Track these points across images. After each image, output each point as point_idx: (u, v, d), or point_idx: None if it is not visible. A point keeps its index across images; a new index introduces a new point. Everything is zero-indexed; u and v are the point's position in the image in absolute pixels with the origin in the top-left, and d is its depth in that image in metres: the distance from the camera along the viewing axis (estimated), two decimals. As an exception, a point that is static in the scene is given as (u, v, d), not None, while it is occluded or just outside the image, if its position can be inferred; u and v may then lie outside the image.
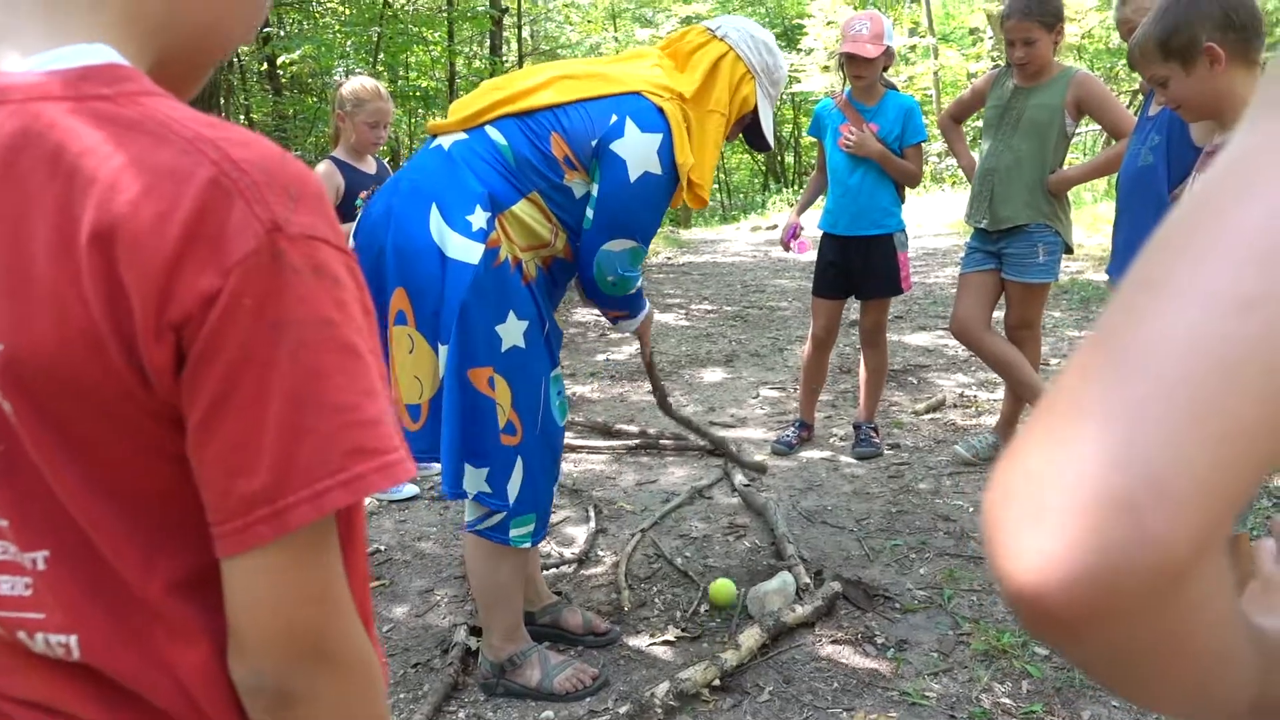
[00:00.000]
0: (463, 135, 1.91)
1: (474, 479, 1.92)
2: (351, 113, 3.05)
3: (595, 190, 1.89)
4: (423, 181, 1.88)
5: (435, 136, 2.00)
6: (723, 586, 2.52)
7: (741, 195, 23.45)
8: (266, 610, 0.53)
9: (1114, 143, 3.19)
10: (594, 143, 1.86)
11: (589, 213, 1.91)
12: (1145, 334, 0.28)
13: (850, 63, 3.29)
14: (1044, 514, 0.28)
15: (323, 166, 3.11)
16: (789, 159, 22.80)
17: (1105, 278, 7.12)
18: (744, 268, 9.24)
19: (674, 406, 2.82)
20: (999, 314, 3.41)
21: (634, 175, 1.85)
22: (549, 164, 1.88)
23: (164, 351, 0.50)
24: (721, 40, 2.00)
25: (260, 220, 0.50)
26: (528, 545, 2.04)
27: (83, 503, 0.54)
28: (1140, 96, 12.89)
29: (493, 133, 1.88)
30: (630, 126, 1.85)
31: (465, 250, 1.82)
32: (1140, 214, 2.35)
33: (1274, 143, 0.30)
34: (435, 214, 1.83)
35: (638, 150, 1.85)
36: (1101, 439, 0.28)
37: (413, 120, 11.97)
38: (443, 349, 1.85)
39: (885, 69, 3.37)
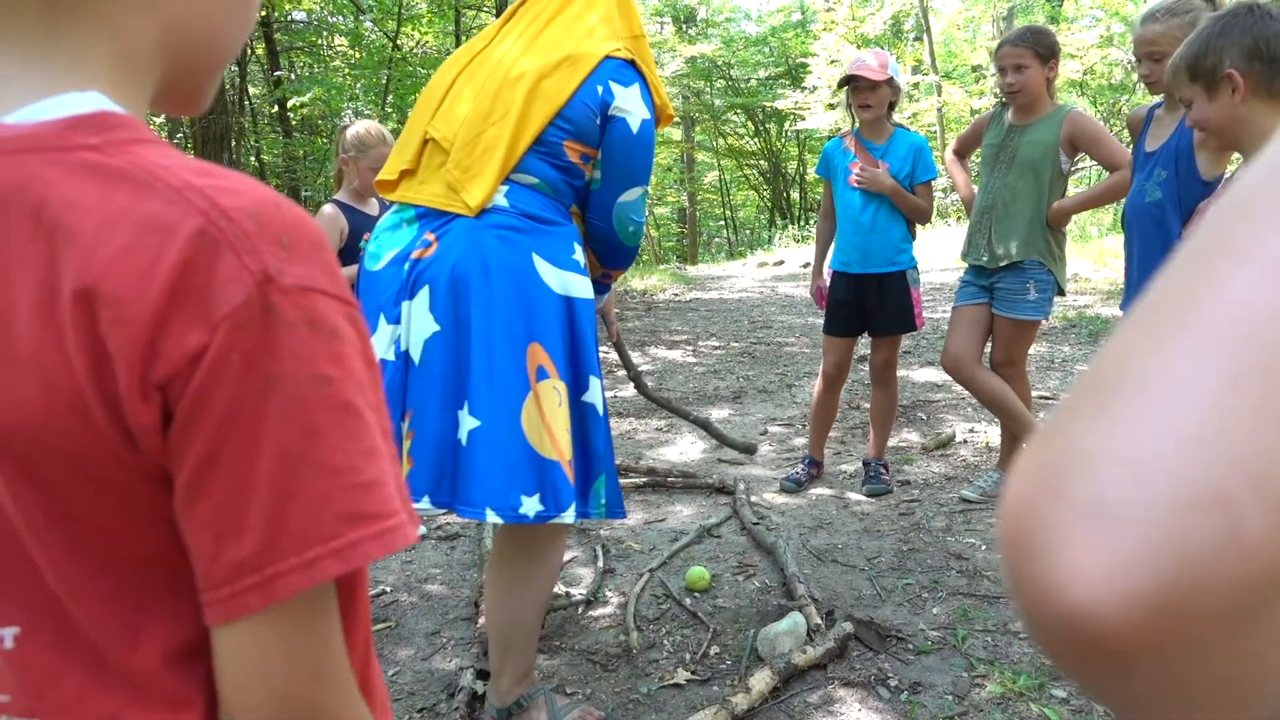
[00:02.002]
0: (499, 199, 1.84)
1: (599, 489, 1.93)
2: (356, 157, 3.07)
3: (599, 154, 1.89)
4: (502, 241, 1.82)
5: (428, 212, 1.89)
6: (698, 573, 2.75)
7: (748, 231, 23.60)
8: (257, 683, 0.51)
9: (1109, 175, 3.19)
10: (596, 120, 1.86)
11: (596, 174, 1.90)
12: (1232, 297, 0.23)
13: (855, 92, 3.31)
14: (1102, 506, 0.22)
15: (327, 209, 3.13)
16: (794, 195, 22.94)
17: (1114, 312, 7.12)
18: (751, 304, 9.25)
19: (649, 388, 2.82)
20: (988, 348, 3.40)
21: (635, 126, 1.88)
22: (572, 173, 1.89)
23: (150, 412, 0.48)
24: None
25: (250, 271, 0.48)
26: (602, 514, 1.94)
27: (65, 570, 0.52)
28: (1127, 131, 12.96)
29: (523, 178, 1.85)
30: (616, 88, 1.86)
31: (584, 287, 1.88)
32: (1149, 249, 2.35)
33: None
34: (543, 263, 1.82)
35: (629, 104, 1.87)
36: (1181, 413, 0.22)
37: (421, 160, 12.11)
38: (594, 380, 1.90)
39: (892, 106, 3.40)
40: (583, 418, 1.90)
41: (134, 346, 0.47)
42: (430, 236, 1.85)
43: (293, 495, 0.48)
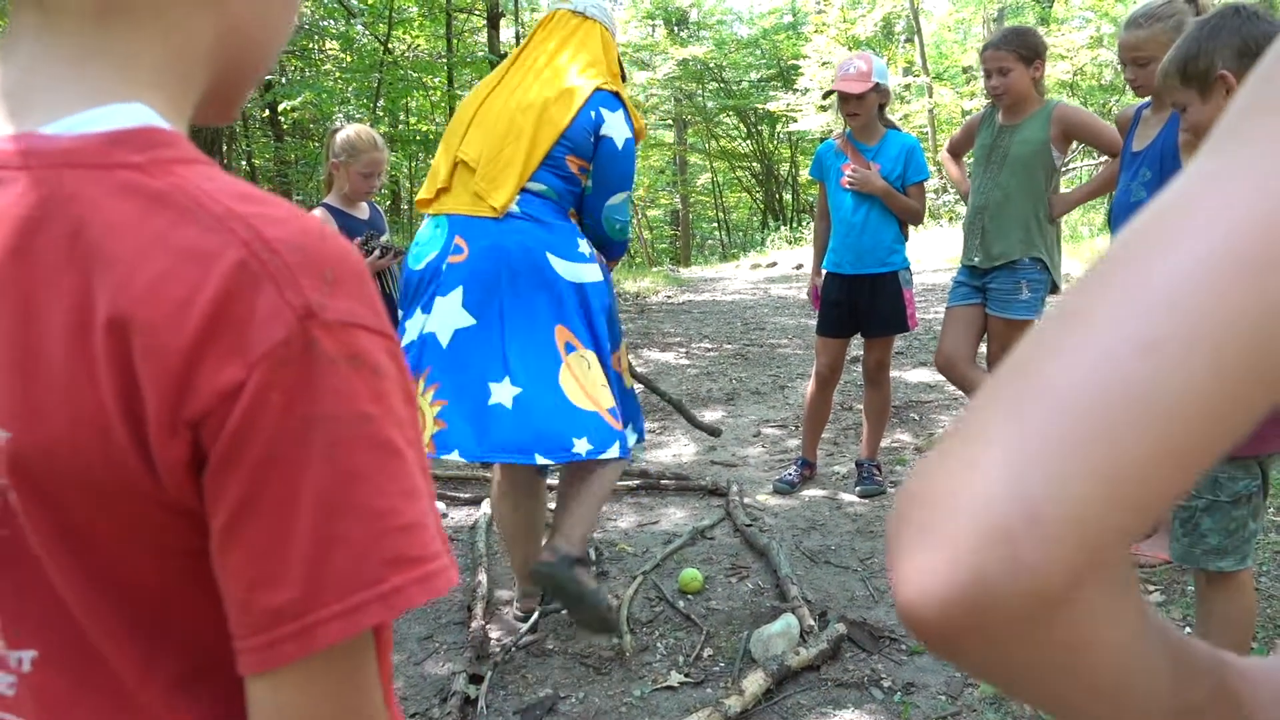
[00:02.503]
0: (513, 206, 2.29)
1: (631, 439, 2.53)
2: (346, 162, 3.06)
3: (591, 166, 2.36)
4: (521, 244, 2.28)
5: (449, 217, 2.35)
6: (690, 575, 2.80)
7: (741, 233, 23.62)
8: None
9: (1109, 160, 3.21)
10: (591, 139, 2.32)
11: (589, 183, 2.38)
12: (1051, 366, 0.29)
13: (842, 101, 3.33)
14: (931, 533, 0.29)
15: (316, 213, 3.11)
16: (786, 196, 22.97)
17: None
18: (744, 305, 9.26)
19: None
20: (982, 347, 3.41)
21: (619, 144, 2.35)
22: (572, 181, 2.35)
23: (178, 447, 0.46)
24: (591, 20, 2.42)
25: (292, 306, 0.46)
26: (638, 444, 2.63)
27: (84, 596, 0.51)
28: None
29: (534, 186, 2.30)
30: (605, 114, 2.33)
31: (593, 272, 2.37)
32: None
33: (1217, 181, 0.29)
34: (555, 260, 2.29)
35: (615, 127, 2.34)
36: (995, 465, 0.28)
37: (413, 164, 12.09)
38: (592, 352, 2.36)
39: (882, 107, 3.40)
40: (621, 383, 2.46)
41: (166, 379, 0.45)
42: (460, 242, 2.28)
43: (334, 540, 0.47)
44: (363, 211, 3.22)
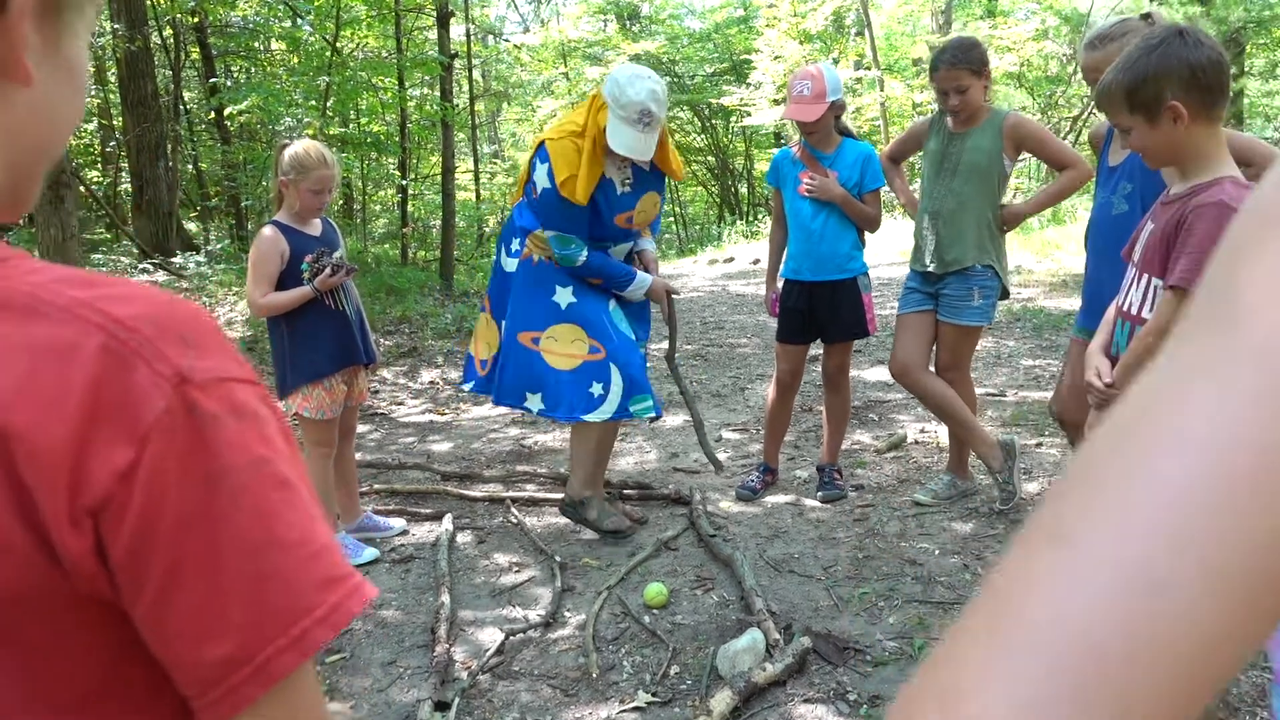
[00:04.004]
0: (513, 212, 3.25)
1: (535, 401, 3.14)
2: (295, 180, 2.99)
3: None
4: (500, 239, 3.30)
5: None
6: (655, 590, 2.85)
7: (697, 226, 23.65)
8: None
9: (1056, 175, 3.26)
10: (531, 179, 3.07)
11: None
12: (1043, 601, 0.26)
13: (799, 124, 3.35)
14: None
15: (267, 231, 3.04)
16: (743, 189, 23.05)
17: (1058, 304, 7.26)
18: (702, 304, 9.27)
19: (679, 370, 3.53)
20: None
21: (537, 190, 3.01)
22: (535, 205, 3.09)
23: (82, 538, 0.46)
24: (599, 92, 2.94)
25: (165, 376, 0.47)
26: (654, 414, 3.17)
27: (19, 703, 0.50)
28: (1079, 124, 13.15)
29: (522, 200, 3.19)
30: (537, 164, 3.01)
31: (512, 264, 3.20)
32: (1117, 263, 2.38)
33: (1205, 384, 0.28)
34: (501, 252, 3.27)
35: (538, 177, 3.01)
36: (985, 713, 0.26)
37: (365, 165, 11.91)
38: (503, 324, 3.20)
39: (838, 117, 3.41)
40: (527, 357, 3.14)
41: (56, 476, 0.45)
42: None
43: (265, 578, 0.49)
44: (315, 228, 3.15)
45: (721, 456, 4.28)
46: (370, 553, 3.31)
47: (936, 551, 3.10)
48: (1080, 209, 11.97)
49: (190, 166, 12.22)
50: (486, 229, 16.33)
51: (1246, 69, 9.87)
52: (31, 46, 0.51)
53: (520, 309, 3.13)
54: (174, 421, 0.47)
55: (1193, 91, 1.77)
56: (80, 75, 0.57)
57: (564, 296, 3.11)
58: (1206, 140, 1.83)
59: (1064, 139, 16.39)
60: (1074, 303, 6.04)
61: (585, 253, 3.03)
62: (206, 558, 0.48)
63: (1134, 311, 1.97)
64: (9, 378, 0.45)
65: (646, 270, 3.25)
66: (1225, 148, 1.88)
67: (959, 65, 3.05)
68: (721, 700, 2.22)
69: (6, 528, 0.46)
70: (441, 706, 2.36)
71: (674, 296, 3.26)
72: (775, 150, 18.06)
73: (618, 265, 3.13)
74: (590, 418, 3.08)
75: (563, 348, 3.10)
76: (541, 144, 2.98)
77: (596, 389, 3.07)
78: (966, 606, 0.29)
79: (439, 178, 10.83)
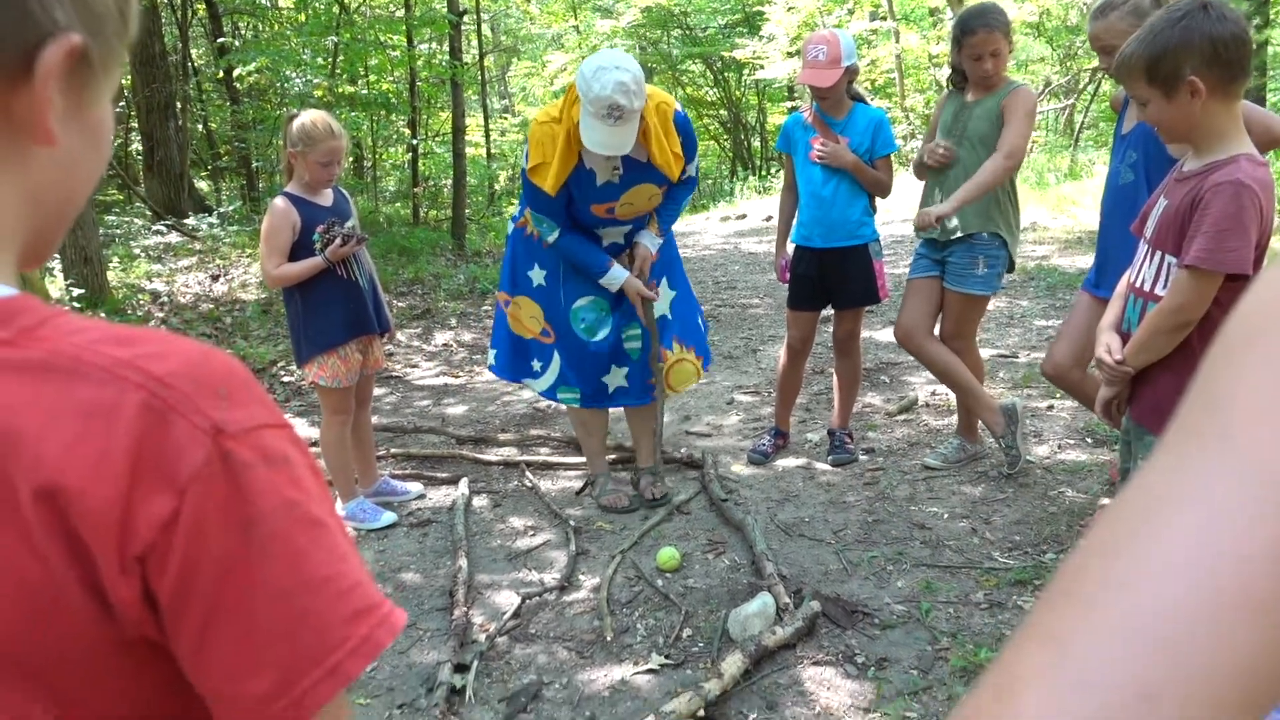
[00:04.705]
0: None
1: (490, 356, 3.42)
2: (303, 151, 2.99)
3: None
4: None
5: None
6: (668, 554, 2.89)
7: (710, 182, 23.46)
8: None
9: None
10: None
11: None
12: (1038, 711, 0.27)
13: (812, 89, 3.31)
14: None
15: (278, 203, 3.06)
16: (755, 143, 22.79)
17: (1072, 262, 7.21)
18: (714, 263, 9.24)
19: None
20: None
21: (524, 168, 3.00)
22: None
23: (131, 584, 0.50)
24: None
25: (203, 429, 0.50)
26: (576, 405, 3.32)
27: None
28: (1098, 76, 12.90)
29: None
30: (525, 145, 3.01)
31: (511, 228, 3.34)
32: (1123, 231, 2.39)
33: (1185, 490, 0.29)
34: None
35: (522, 156, 3.02)
36: None
37: (375, 124, 11.84)
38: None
39: (851, 82, 3.38)
40: (500, 315, 3.39)
41: (107, 530, 0.48)
42: None
43: (299, 617, 0.52)
44: (326, 198, 3.16)
45: (733, 419, 4.33)
46: (388, 517, 3.38)
47: (945, 515, 3.14)
48: (1098, 163, 11.81)
49: (200, 126, 12.19)
50: (497, 186, 16.25)
51: (1272, 18, 9.64)
52: (56, 109, 0.53)
53: (506, 271, 3.31)
54: (212, 472, 0.50)
55: (1213, 67, 1.75)
56: (104, 135, 0.59)
57: (537, 276, 3.21)
58: (1223, 117, 1.82)
59: (1083, 90, 16.12)
60: (1089, 260, 5.99)
61: (556, 234, 3.03)
62: (244, 599, 0.51)
63: (1147, 288, 1.97)
64: (59, 439, 0.48)
65: (634, 262, 3.15)
66: (1242, 124, 1.87)
67: (996, 29, 3.01)
68: (732, 663, 2.28)
69: (63, 579, 0.49)
70: (461, 668, 2.43)
71: (650, 301, 3.16)
72: (788, 104, 17.82)
73: (589, 253, 3.06)
74: (526, 382, 3.37)
75: (524, 317, 3.28)
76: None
77: (536, 364, 3.30)
78: (965, 700, 0.31)
79: (449, 136, 10.77)
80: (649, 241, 3.16)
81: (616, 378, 3.26)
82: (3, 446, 0.48)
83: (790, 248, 3.60)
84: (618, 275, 3.07)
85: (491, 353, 3.42)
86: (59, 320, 0.52)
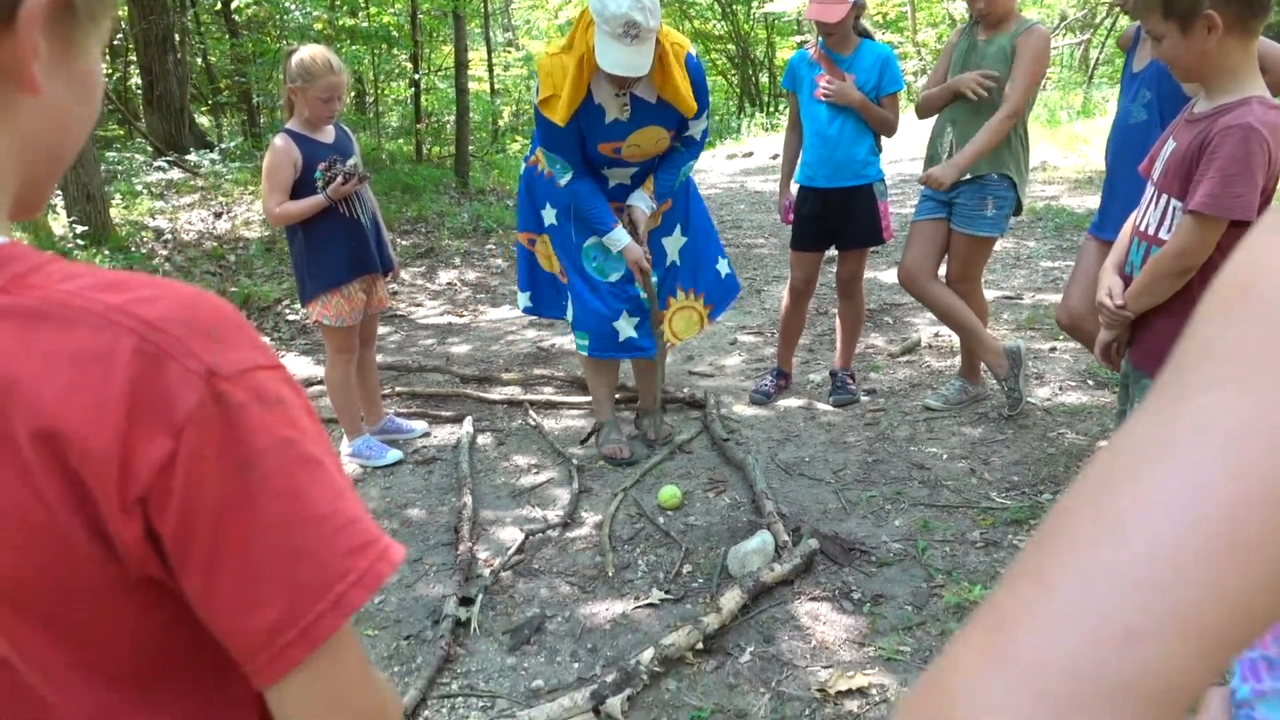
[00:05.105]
0: None
1: (523, 299, 3.41)
2: (303, 87, 2.95)
3: None
4: None
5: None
6: (669, 492, 2.94)
7: (716, 118, 23.11)
8: (332, 714, 0.57)
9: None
10: None
11: None
12: (1027, 644, 0.29)
13: (820, 25, 3.25)
14: None
15: (278, 141, 3.03)
16: (763, 79, 22.40)
17: (1081, 202, 7.13)
18: (720, 201, 9.16)
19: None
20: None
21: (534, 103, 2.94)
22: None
23: (134, 525, 0.51)
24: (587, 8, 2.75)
25: (195, 372, 0.51)
26: (585, 353, 3.25)
27: (70, 688, 0.56)
28: (1115, 10, 12.54)
29: None
30: (535, 80, 2.94)
31: (524, 167, 3.29)
32: (1133, 172, 2.36)
33: (1171, 437, 0.30)
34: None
35: (533, 91, 3.02)
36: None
37: (376, 58, 11.64)
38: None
39: (857, 17, 3.32)
40: (525, 256, 3.39)
41: (107, 471, 0.50)
42: None
43: (300, 551, 0.53)
44: (328, 135, 3.13)
45: (736, 360, 4.34)
46: (394, 454, 3.43)
47: (944, 456, 3.17)
48: (1111, 101, 11.60)
49: (199, 60, 12.00)
50: (501, 122, 16.04)
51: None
52: (41, 57, 0.52)
53: (522, 211, 3.30)
54: (206, 413, 0.51)
55: (1231, 2, 1.71)
56: (93, 85, 0.59)
57: (549, 215, 3.19)
58: (1238, 55, 1.79)
59: (1099, 25, 15.74)
60: (1098, 201, 5.92)
61: (569, 176, 2.96)
62: (246, 536, 0.52)
63: (1151, 231, 1.96)
64: (57, 385, 0.49)
65: (633, 227, 3.07)
66: (1256, 64, 1.83)
67: None
68: (731, 598, 2.33)
69: (67, 521, 0.51)
70: (466, 602, 2.49)
71: (648, 274, 3.09)
72: (797, 39, 17.43)
73: (597, 209, 2.99)
74: (567, 319, 3.31)
75: (546, 255, 3.29)
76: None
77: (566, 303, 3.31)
78: (956, 636, 0.32)
79: (452, 71, 10.60)
80: (642, 203, 3.07)
81: (628, 327, 3.19)
82: (1, 392, 0.49)
83: (794, 188, 3.57)
84: (620, 238, 3.01)
85: (522, 295, 3.38)
86: (51, 267, 0.53)
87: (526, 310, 3.42)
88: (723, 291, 3.36)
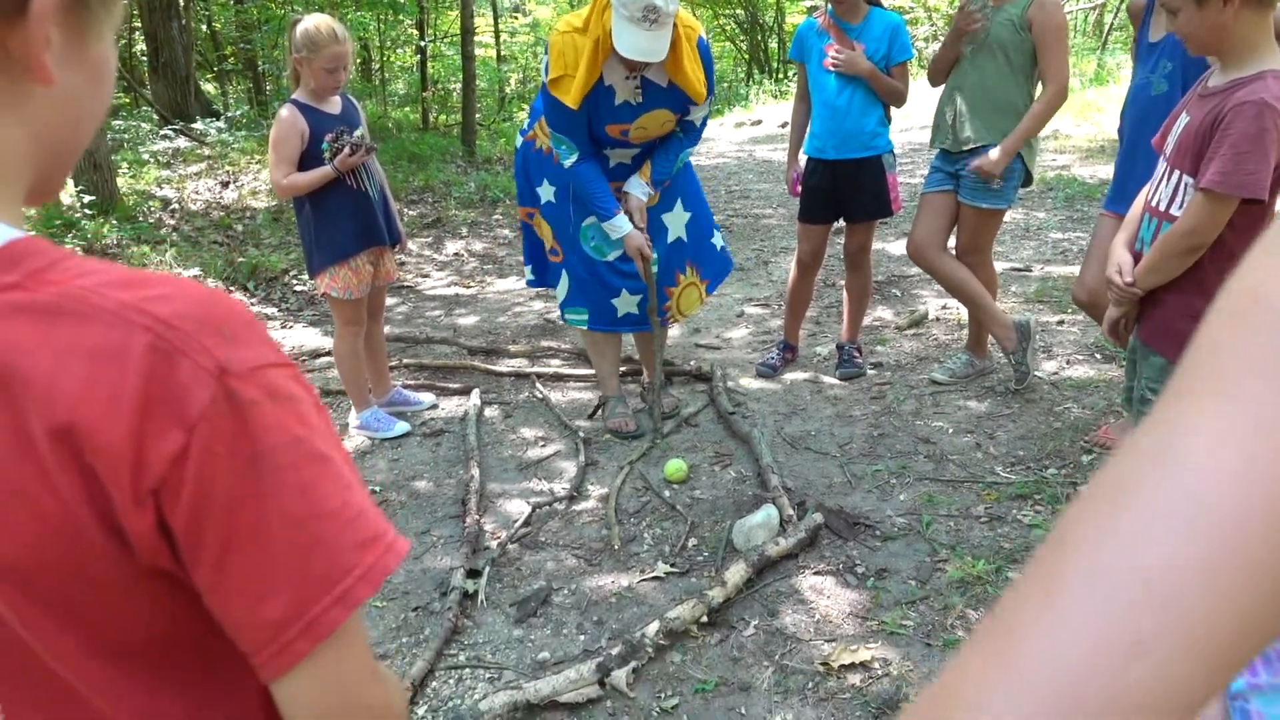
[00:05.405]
0: None
1: (528, 272, 3.42)
2: (308, 57, 2.93)
3: None
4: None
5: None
6: (675, 466, 2.95)
7: (725, 85, 22.88)
8: (337, 708, 0.58)
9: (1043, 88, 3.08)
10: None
11: None
12: (1033, 653, 0.29)
13: None
14: None
15: (284, 112, 3.01)
16: (772, 45, 22.13)
17: (1093, 172, 7.06)
18: (728, 170, 9.11)
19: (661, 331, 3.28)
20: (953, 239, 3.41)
21: (544, 81, 2.90)
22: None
23: (146, 517, 0.52)
24: None
25: (207, 369, 0.52)
26: (583, 327, 3.29)
27: (85, 671, 0.58)
28: (1109, 13, 12.27)
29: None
30: (544, 56, 2.89)
31: (520, 142, 3.26)
32: (1151, 147, 2.33)
33: (1182, 447, 0.30)
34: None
35: (543, 70, 2.91)
36: None
37: (382, 25, 11.53)
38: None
39: (867, -18, 3.28)
40: (528, 230, 3.39)
41: (120, 464, 0.51)
42: None
43: (308, 545, 0.54)
44: (334, 106, 3.12)
45: (743, 332, 4.34)
46: (402, 426, 3.44)
47: (950, 430, 3.17)
48: (1124, 68, 11.43)
49: (204, 26, 11.91)
50: (508, 89, 15.92)
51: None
52: (54, 47, 0.53)
53: (520, 187, 3.29)
54: (218, 409, 0.52)
55: None
56: (106, 74, 0.59)
57: (546, 192, 3.16)
58: (1254, 28, 1.76)
59: (1125, 40, 15.46)
60: (1110, 171, 5.87)
61: (575, 158, 2.92)
62: (255, 530, 0.53)
63: (1162, 208, 1.94)
64: (72, 380, 0.50)
65: (631, 213, 3.04)
66: (1273, 37, 1.81)
67: None
68: (736, 572, 2.35)
69: (80, 513, 0.52)
70: (473, 574, 2.52)
71: (651, 260, 3.07)
72: (807, 3, 17.18)
73: (600, 193, 2.95)
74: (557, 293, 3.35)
75: (543, 230, 3.30)
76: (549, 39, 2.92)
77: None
78: (964, 645, 0.33)
79: (458, 38, 10.50)
80: (638, 190, 3.04)
81: (628, 304, 3.20)
82: (17, 386, 0.50)
83: (802, 159, 3.55)
84: (622, 225, 2.98)
85: (527, 268, 3.42)
86: (67, 263, 0.54)
87: (530, 283, 3.45)
88: (718, 266, 3.38)
